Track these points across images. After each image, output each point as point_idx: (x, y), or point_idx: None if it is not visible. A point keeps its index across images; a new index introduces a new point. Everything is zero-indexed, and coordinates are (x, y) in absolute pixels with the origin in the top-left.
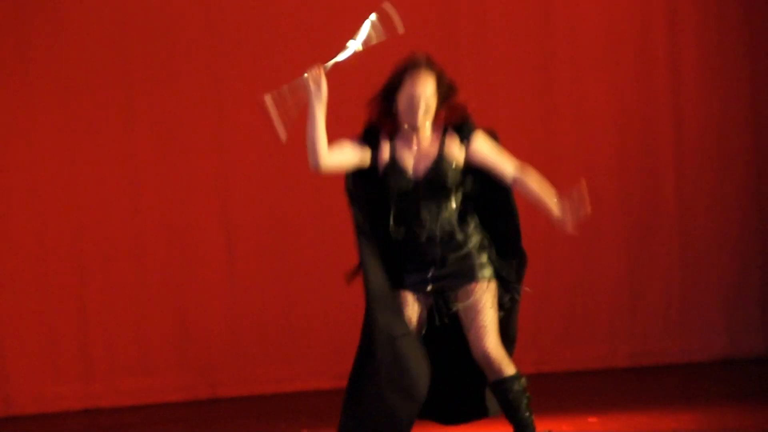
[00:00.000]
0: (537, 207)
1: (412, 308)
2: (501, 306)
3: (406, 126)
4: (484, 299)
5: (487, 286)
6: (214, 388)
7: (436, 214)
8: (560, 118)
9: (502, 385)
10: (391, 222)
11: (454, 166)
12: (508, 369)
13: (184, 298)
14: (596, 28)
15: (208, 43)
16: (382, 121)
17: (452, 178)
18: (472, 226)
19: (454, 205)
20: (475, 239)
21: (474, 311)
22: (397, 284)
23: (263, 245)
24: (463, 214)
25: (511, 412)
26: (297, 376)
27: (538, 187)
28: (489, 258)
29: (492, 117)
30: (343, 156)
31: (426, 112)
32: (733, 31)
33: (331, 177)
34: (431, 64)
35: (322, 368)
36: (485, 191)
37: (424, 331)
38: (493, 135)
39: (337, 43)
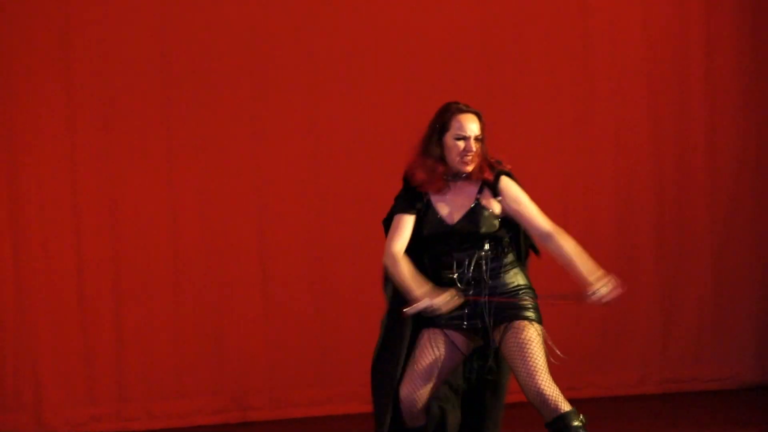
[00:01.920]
0: (567, 271)
1: (439, 350)
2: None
3: (450, 173)
4: (531, 337)
5: (533, 326)
6: (245, 411)
7: (470, 258)
8: (599, 147)
9: (561, 421)
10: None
11: (488, 213)
12: (565, 405)
13: (218, 322)
14: (635, 51)
15: (247, 65)
16: (423, 173)
17: (487, 226)
18: (510, 265)
19: (487, 248)
20: (515, 278)
21: (522, 350)
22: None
23: (297, 270)
24: (499, 257)
25: None
26: (328, 400)
27: (574, 251)
28: (532, 302)
29: (530, 143)
30: (406, 236)
31: (476, 155)
32: (766, 46)
33: (367, 205)
34: (479, 113)
35: (353, 393)
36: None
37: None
38: (515, 180)
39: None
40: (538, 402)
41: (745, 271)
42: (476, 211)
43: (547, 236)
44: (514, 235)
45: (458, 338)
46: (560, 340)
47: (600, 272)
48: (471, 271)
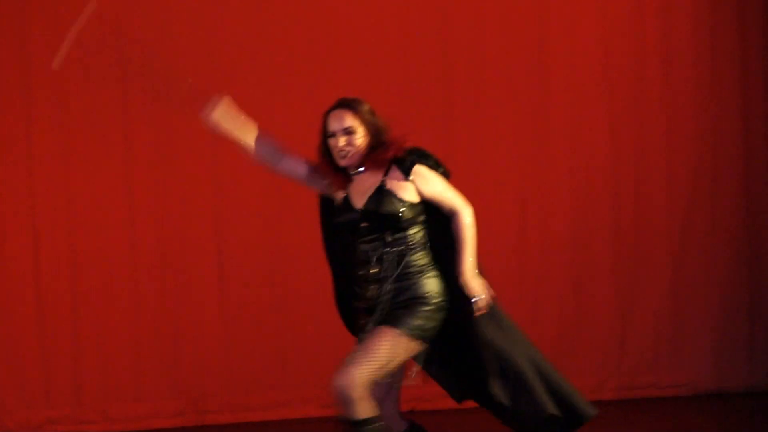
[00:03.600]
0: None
1: None
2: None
3: (351, 169)
4: (380, 343)
5: (399, 338)
6: (203, 414)
7: (380, 249)
8: (555, 154)
9: (354, 427)
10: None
11: (392, 196)
12: (361, 412)
13: (176, 325)
14: (593, 54)
15: (205, 64)
16: (330, 174)
17: (393, 208)
18: (421, 271)
19: (398, 240)
20: (420, 286)
21: (366, 343)
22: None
23: (255, 273)
24: (409, 252)
25: None
26: (286, 404)
27: (465, 242)
28: (428, 315)
29: (487, 150)
30: (287, 164)
31: (346, 150)
32: (724, 49)
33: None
34: (350, 104)
35: (311, 396)
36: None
37: None
38: (443, 169)
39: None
40: (336, 395)
41: (702, 278)
42: (380, 192)
43: (451, 214)
44: (432, 233)
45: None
46: None
47: (473, 274)
48: (377, 268)
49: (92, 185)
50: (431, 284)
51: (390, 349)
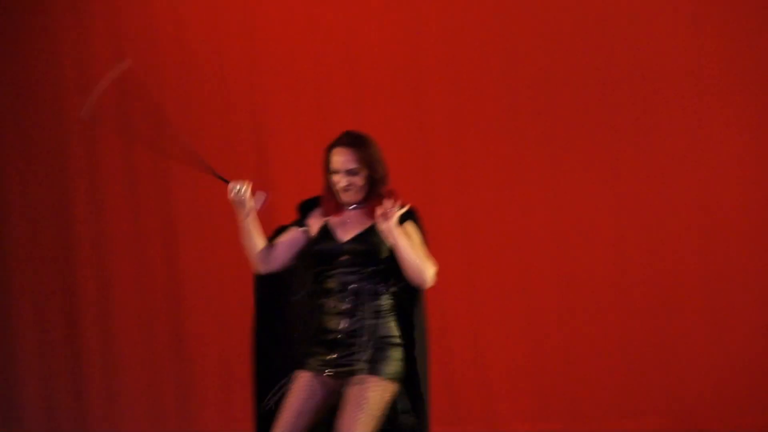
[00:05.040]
0: (402, 257)
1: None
2: (403, 411)
3: (348, 203)
4: (374, 396)
5: (387, 386)
6: None
7: (352, 283)
8: None
9: None
10: (309, 288)
11: (380, 238)
12: None
13: (664, 337)
14: None
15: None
16: (328, 197)
17: (380, 250)
18: (389, 312)
19: (370, 274)
20: (387, 328)
21: (357, 401)
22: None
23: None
24: (382, 297)
25: None
26: None
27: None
28: (399, 356)
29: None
30: (283, 252)
31: (349, 189)
32: None
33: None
34: (356, 143)
35: None
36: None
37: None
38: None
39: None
40: None
41: None
42: (370, 233)
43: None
44: (399, 284)
45: (326, 382)
46: None
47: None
48: (350, 300)
49: (580, 196)
50: (394, 327)
51: (382, 399)
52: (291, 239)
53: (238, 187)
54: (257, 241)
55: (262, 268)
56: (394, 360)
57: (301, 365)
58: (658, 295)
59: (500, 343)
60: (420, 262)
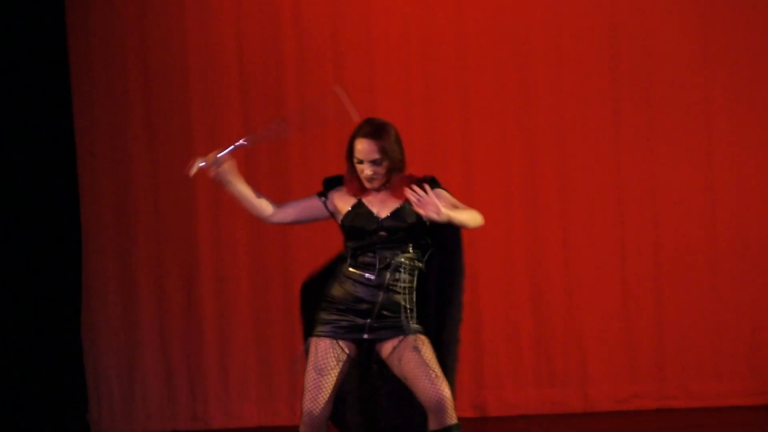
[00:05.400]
0: (458, 225)
1: (334, 355)
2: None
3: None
4: (425, 349)
5: (422, 339)
6: None
7: (391, 258)
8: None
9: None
10: (348, 261)
11: (415, 213)
12: (454, 417)
13: (753, 309)
14: None
15: None
16: (351, 179)
17: (414, 225)
18: (412, 289)
19: (409, 256)
20: (410, 295)
21: (418, 361)
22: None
23: None
24: (414, 271)
25: None
26: None
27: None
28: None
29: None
30: (295, 210)
31: (374, 178)
32: None
33: None
34: (379, 133)
35: None
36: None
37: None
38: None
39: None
40: (436, 408)
41: None
42: (404, 209)
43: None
44: (434, 259)
45: (348, 346)
46: None
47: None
48: (384, 274)
49: (675, 177)
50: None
51: (430, 350)
52: (307, 204)
53: (195, 166)
54: (253, 202)
55: (270, 222)
56: (413, 319)
57: (320, 332)
58: (745, 265)
59: (593, 308)
60: (472, 219)
